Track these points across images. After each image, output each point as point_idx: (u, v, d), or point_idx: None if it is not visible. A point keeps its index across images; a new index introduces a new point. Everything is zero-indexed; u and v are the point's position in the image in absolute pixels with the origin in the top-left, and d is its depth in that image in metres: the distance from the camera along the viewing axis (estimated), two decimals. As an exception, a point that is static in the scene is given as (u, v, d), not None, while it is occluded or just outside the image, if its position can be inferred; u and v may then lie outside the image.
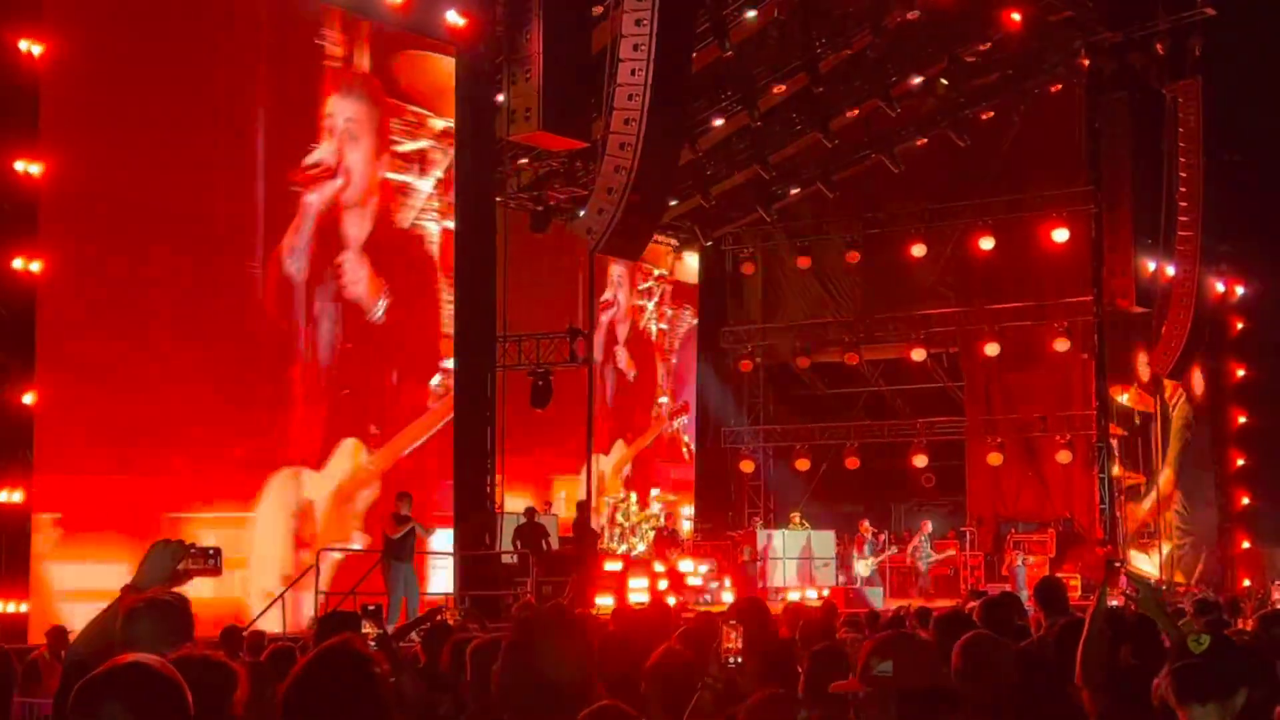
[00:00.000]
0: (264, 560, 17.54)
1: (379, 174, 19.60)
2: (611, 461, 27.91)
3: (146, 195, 16.73)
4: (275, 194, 18.22)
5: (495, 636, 4.15)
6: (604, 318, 28.07)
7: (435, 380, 20.26)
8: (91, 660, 3.59)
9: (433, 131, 20.33)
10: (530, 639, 3.43)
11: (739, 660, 4.86)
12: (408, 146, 20.05)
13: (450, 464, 19.80)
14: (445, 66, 20.39)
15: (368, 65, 19.44)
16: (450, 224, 20.35)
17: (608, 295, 28.44)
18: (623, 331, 29.01)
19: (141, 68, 16.88)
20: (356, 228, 19.26)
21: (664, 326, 30.37)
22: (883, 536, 27.30)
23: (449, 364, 20.21)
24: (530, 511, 21.44)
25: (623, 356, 28.99)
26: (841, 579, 26.87)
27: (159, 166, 16.94)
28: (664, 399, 30.17)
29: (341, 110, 19.04)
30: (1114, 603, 5.28)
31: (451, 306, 20.25)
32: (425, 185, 20.26)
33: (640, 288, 29.67)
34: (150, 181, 16.81)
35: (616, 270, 28.60)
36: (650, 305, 30.01)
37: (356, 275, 19.20)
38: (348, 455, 18.91)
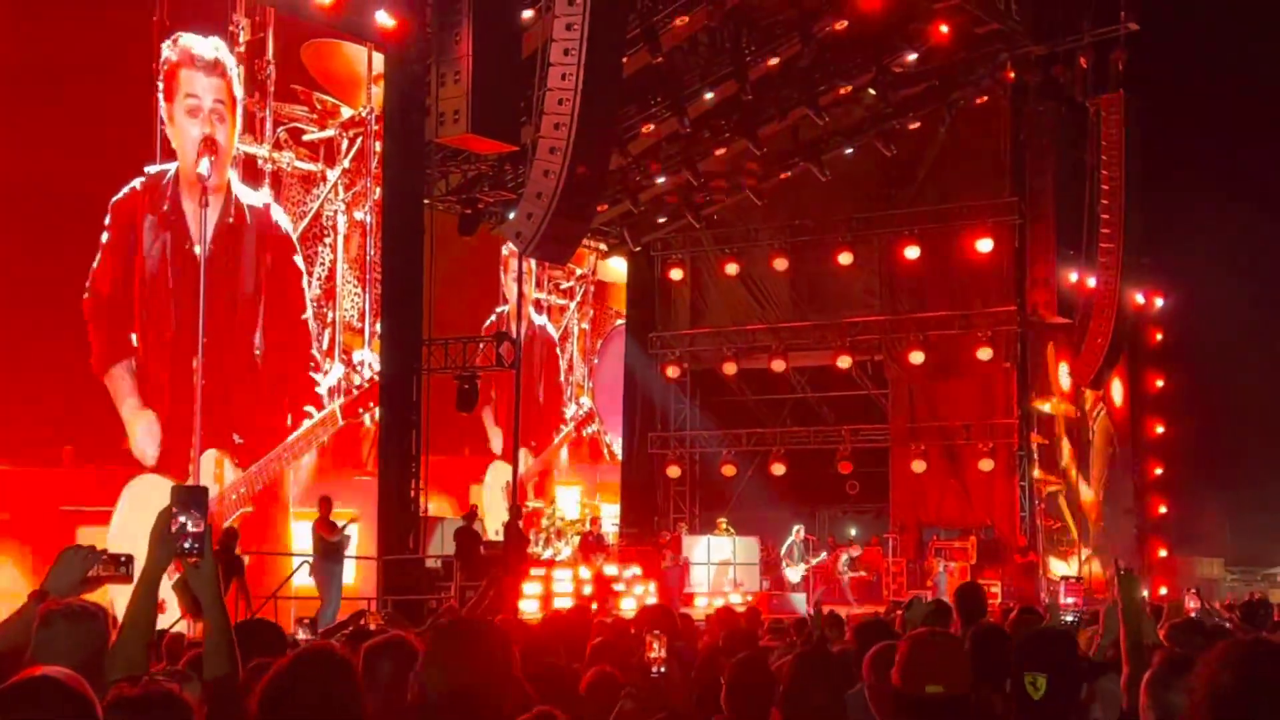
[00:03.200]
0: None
1: (280, 162, 19.30)
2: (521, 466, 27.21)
3: (53, 183, 16.38)
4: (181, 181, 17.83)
5: (393, 637, 4.10)
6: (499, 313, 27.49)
7: (339, 374, 19.94)
8: (3, 671, 3.50)
9: (340, 120, 20.14)
10: (446, 646, 3.40)
11: (663, 670, 4.87)
12: (314, 135, 19.83)
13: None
14: (351, 53, 20.22)
15: (272, 52, 19.13)
16: (359, 215, 20.24)
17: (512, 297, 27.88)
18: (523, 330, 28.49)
19: (47, 52, 16.48)
20: (256, 216, 18.93)
21: (585, 327, 30.30)
22: (814, 539, 27.57)
23: (360, 356, 20.02)
24: (471, 515, 21.36)
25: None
26: (766, 584, 27.04)
27: (65, 154, 16.57)
28: (585, 399, 30.02)
29: (219, 95, 18.57)
30: (1068, 618, 5.38)
31: (359, 299, 20.07)
32: (331, 175, 20.04)
33: (562, 287, 29.53)
34: (57, 170, 16.46)
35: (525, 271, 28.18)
36: (572, 305, 29.89)
37: (260, 264, 18.89)
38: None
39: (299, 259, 19.57)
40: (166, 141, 17.74)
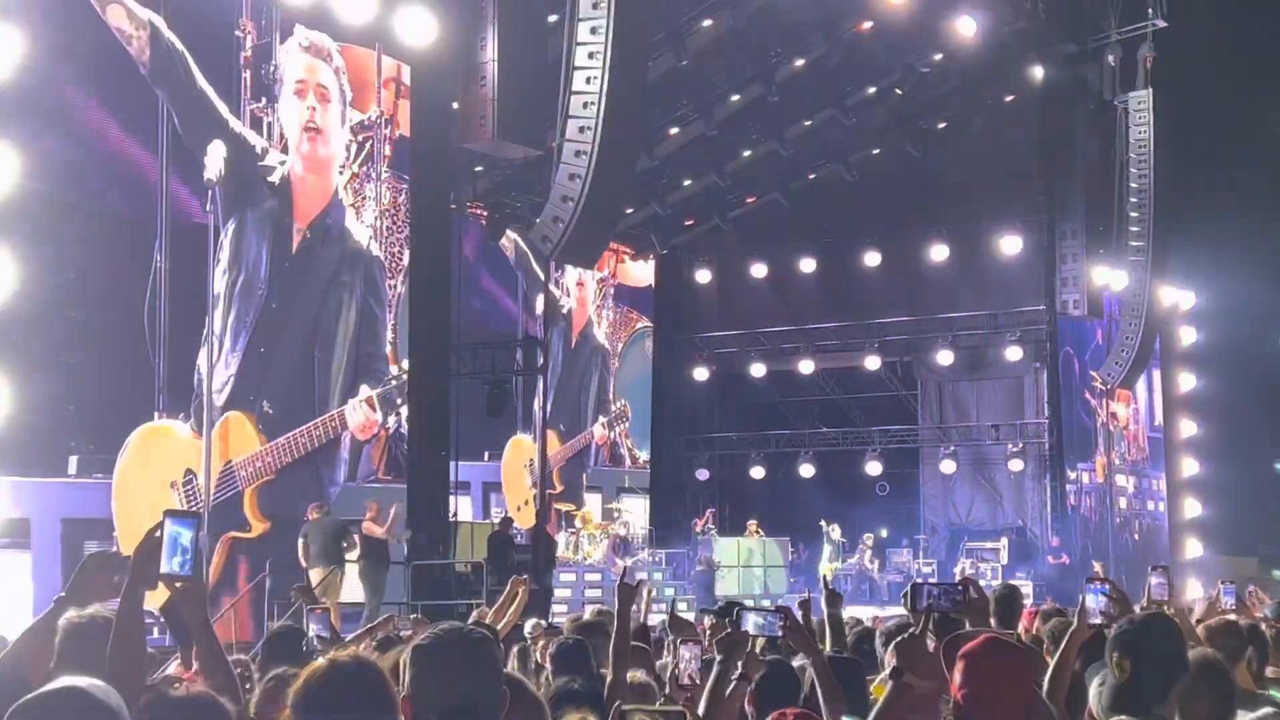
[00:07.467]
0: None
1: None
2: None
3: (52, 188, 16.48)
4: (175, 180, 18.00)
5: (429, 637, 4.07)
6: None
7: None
8: (28, 678, 3.50)
9: (350, 125, 20.26)
10: (435, 663, 3.32)
11: (695, 679, 4.83)
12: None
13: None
14: (360, 58, 20.27)
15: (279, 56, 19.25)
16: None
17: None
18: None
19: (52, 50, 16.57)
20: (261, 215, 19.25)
21: (608, 330, 30.19)
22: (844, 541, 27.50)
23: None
24: (506, 521, 21.36)
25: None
26: (795, 585, 26.95)
27: (65, 157, 16.71)
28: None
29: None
30: (1095, 620, 5.27)
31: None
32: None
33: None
34: (55, 175, 16.55)
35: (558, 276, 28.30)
36: (591, 309, 29.81)
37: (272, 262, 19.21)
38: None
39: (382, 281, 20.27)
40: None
